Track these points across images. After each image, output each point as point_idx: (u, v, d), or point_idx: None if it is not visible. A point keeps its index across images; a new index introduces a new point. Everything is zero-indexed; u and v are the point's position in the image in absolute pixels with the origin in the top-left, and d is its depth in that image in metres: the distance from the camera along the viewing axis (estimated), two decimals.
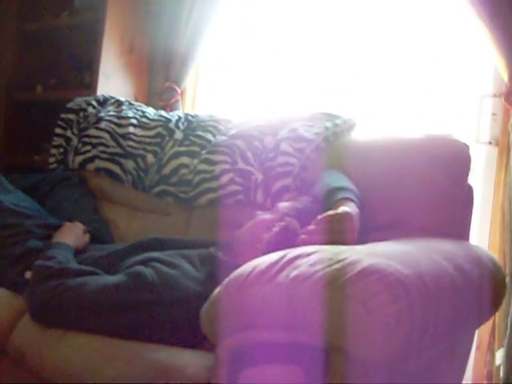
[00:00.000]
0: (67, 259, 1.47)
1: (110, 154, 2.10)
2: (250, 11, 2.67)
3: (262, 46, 2.63)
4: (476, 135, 2.18)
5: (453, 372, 1.42)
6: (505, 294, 1.45)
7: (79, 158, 2.14)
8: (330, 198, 1.38)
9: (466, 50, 2.23)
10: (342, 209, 1.26)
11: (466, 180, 1.63)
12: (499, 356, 2.05)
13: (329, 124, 1.80)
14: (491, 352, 2.10)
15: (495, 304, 1.34)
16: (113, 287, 1.30)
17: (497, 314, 1.95)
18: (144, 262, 1.38)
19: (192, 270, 1.37)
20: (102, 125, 2.16)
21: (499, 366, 2.04)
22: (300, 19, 2.53)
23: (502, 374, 2.01)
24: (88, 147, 2.14)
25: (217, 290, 1.08)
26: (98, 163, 2.11)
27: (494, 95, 2.17)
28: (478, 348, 2.13)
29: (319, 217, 1.24)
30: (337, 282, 0.93)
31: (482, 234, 2.14)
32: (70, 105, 2.31)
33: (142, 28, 2.81)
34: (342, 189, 1.42)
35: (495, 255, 2.01)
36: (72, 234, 1.66)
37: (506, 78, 2.01)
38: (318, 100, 2.42)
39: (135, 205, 2.08)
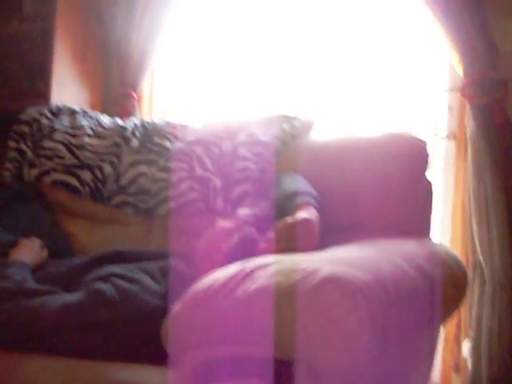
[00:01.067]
0: (24, 278, 1.42)
1: (67, 165, 2.05)
2: (204, 14, 2.64)
3: (216, 47, 2.61)
4: (433, 129, 2.20)
5: (420, 370, 1.43)
6: (466, 290, 1.46)
7: (35, 171, 2.08)
8: (289, 203, 1.37)
9: (421, 46, 2.25)
10: (302, 215, 1.25)
11: (425, 176, 1.64)
12: (465, 347, 2.07)
13: (286, 126, 1.79)
14: (457, 344, 2.13)
15: (458, 300, 1.35)
16: (72, 307, 1.26)
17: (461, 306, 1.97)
18: (103, 278, 1.34)
19: (153, 284, 1.34)
20: (57, 136, 2.10)
21: (466, 357, 2.07)
22: (254, 20, 2.51)
23: (469, 365, 2.03)
24: (43, 160, 2.08)
25: (176, 306, 1.06)
26: (55, 176, 2.05)
27: (450, 89, 2.19)
28: (444, 341, 2.15)
29: (278, 224, 1.23)
30: (296, 294, 0.92)
31: (443, 229, 2.16)
32: (22, 116, 2.24)
33: (94, 33, 2.75)
34: (300, 193, 1.41)
35: (457, 250, 2.04)
36: (29, 251, 1.61)
37: (460, 72, 2.03)
38: (275, 101, 2.40)
39: (95, 216, 2.04)
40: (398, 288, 1.02)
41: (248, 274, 0.99)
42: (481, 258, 1.99)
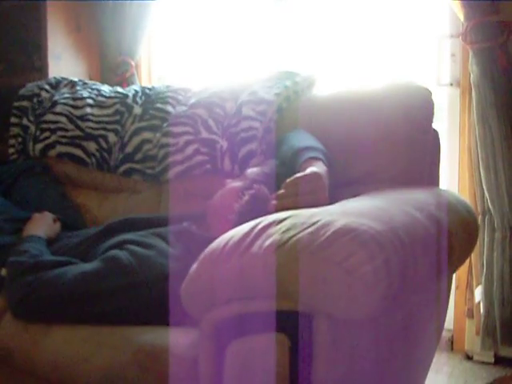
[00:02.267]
0: (41, 252, 1.44)
1: (71, 137, 2.05)
2: None
3: (214, 7, 2.57)
4: (436, 78, 2.18)
5: (435, 316, 1.44)
6: (477, 236, 1.47)
7: (39, 146, 2.09)
8: (297, 159, 1.37)
9: None
10: (311, 169, 1.25)
11: (431, 125, 1.63)
12: (478, 293, 2.10)
13: (288, 83, 1.78)
14: (470, 290, 2.15)
15: (470, 246, 1.35)
16: (90, 275, 1.28)
17: (472, 253, 1.98)
18: (118, 246, 1.36)
19: (167, 248, 1.35)
20: (58, 109, 2.10)
21: (479, 302, 2.09)
22: None
23: (482, 310, 2.06)
24: (47, 133, 2.08)
25: (194, 266, 1.07)
26: (60, 148, 2.06)
27: (452, 36, 2.16)
28: (457, 287, 2.18)
29: (288, 180, 1.23)
30: (311, 247, 0.92)
31: (451, 177, 2.16)
32: (22, 91, 2.24)
33: (87, 4, 2.72)
34: (307, 148, 1.40)
35: (466, 197, 2.04)
36: (42, 225, 1.63)
37: (461, 17, 2.00)
38: (276, 58, 2.38)
39: (103, 186, 2.05)
40: (412, 236, 1.02)
41: (262, 230, 1.00)
42: (489, 203, 2.00)
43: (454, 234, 1.19)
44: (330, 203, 1.19)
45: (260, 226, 1.01)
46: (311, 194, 1.20)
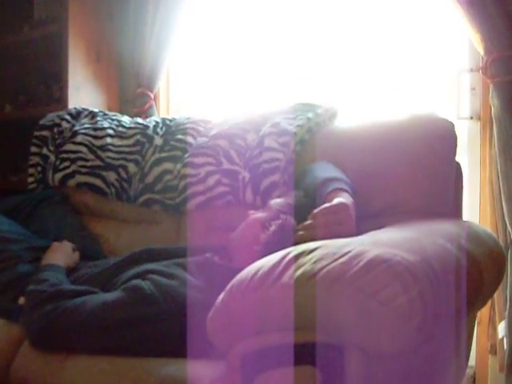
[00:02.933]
0: (60, 280, 1.43)
1: (90, 167, 2.05)
2: (217, 8, 2.62)
3: (233, 40, 2.59)
4: (457, 111, 2.18)
5: (460, 350, 1.41)
6: (505, 269, 1.44)
7: (59, 175, 2.09)
8: (323, 190, 1.36)
9: (442, 26, 2.22)
10: (338, 200, 1.24)
11: (454, 157, 1.62)
12: (501, 328, 2.05)
13: (310, 114, 1.78)
14: (493, 325, 2.10)
15: (498, 279, 1.33)
16: (112, 304, 1.26)
17: None
18: (140, 275, 1.35)
19: (190, 278, 1.33)
20: (79, 138, 2.11)
21: (502, 338, 2.04)
22: (270, 8, 2.49)
23: (505, 345, 2.01)
24: (67, 163, 2.08)
25: (221, 296, 1.05)
26: (79, 178, 2.06)
27: (472, 70, 2.17)
28: (479, 323, 2.13)
29: (315, 210, 1.22)
30: (344, 277, 0.91)
31: (472, 210, 2.14)
32: (42, 121, 2.25)
33: (107, 35, 2.75)
34: (333, 179, 1.40)
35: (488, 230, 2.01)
36: (61, 254, 1.62)
37: (481, 51, 2.01)
38: (297, 90, 2.39)
39: (122, 217, 2.04)
40: (445, 267, 1.00)
41: (292, 260, 0.99)
42: None
43: (484, 267, 1.17)
44: (357, 235, 1.18)
45: (290, 256, 1.00)
46: (339, 225, 1.19)
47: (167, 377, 1.12)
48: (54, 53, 2.72)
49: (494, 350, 2.10)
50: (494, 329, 2.09)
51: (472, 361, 2.14)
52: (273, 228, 1.27)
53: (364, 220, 1.40)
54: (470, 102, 2.18)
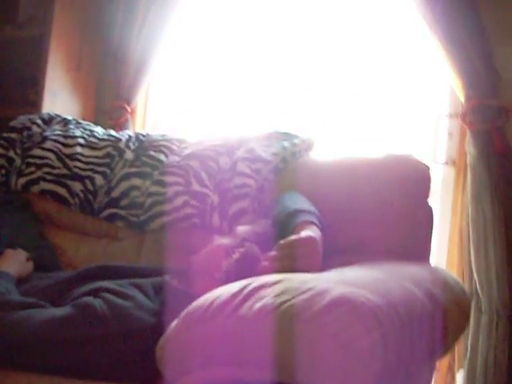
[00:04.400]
0: (8, 290, 1.35)
1: (56, 175, 1.98)
2: (203, 26, 2.61)
3: (214, 62, 2.58)
4: (433, 155, 2.18)
5: None
6: (469, 316, 1.42)
7: (22, 180, 2.01)
8: (291, 221, 1.32)
9: (423, 70, 2.24)
10: (306, 233, 1.21)
11: (427, 201, 1.61)
12: (459, 378, 2.03)
13: (287, 144, 1.75)
14: (451, 374, 2.08)
15: (462, 327, 1.30)
16: (59, 321, 1.19)
17: None
18: (93, 293, 1.28)
19: (145, 300, 1.27)
20: (48, 145, 2.04)
21: None
22: (251, 35, 2.49)
23: None
24: (32, 168, 2.01)
25: (174, 324, 1.00)
26: (43, 185, 1.99)
27: (451, 115, 2.18)
28: (437, 370, 2.10)
29: (281, 242, 1.18)
30: (305, 314, 0.87)
31: (439, 256, 2.13)
32: (13, 123, 2.18)
33: (90, 44, 2.71)
34: (302, 211, 1.36)
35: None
36: (14, 262, 1.54)
37: (462, 98, 2.02)
38: (275, 118, 2.38)
39: (83, 229, 1.97)
40: (410, 313, 0.97)
41: (252, 292, 0.94)
42: (478, 286, 1.96)
43: (450, 314, 1.14)
44: (323, 270, 1.14)
45: (250, 287, 0.95)
46: (305, 259, 1.15)
47: None
48: (33, 56, 2.66)
49: None
50: (453, 377, 2.06)
51: None
52: (236, 256, 1.23)
53: (331, 255, 1.36)
54: (446, 147, 2.18)
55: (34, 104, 2.58)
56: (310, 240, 1.18)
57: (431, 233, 1.65)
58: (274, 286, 0.94)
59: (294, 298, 0.89)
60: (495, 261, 1.92)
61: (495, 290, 1.92)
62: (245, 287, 0.96)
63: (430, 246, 1.64)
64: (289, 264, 1.12)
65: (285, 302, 0.89)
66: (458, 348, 2.04)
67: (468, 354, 1.97)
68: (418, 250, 1.56)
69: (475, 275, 1.97)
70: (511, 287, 1.91)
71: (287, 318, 0.87)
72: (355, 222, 1.53)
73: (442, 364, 2.10)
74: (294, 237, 1.18)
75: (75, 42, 2.65)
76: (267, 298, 0.91)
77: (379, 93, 2.28)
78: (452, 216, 2.13)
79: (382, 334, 0.86)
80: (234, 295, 0.94)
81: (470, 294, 1.97)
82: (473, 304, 1.98)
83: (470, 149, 2.01)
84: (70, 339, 1.17)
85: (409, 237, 1.53)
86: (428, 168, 1.61)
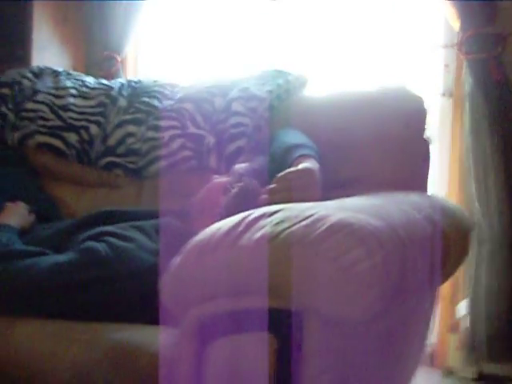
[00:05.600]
0: (12, 241, 1.36)
1: (51, 127, 1.96)
2: None
3: (203, 5, 2.52)
4: (429, 87, 2.15)
5: (420, 326, 1.39)
6: (471, 242, 1.43)
7: (18, 135, 1.99)
8: (289, 155, 1.31)
9: (416, 1, 2.18)
10: (303, 165, 1.20)
11: (423, 133, 1.59)
12: (462, 307, 2.05)
13: (281, 81, 1.73)
14: (454, 304, 2.11)
15: (464, 253, 1.31)
16: (64, 266, 1.20)
17: None
18: (95, 237, 1.28)
19: (147, 242, 1.28)
20: (40, 97, 2.01)
21: (463, 317, 2.05)
22: None
23: (467, 323, 2.02)
24: (26, 122, 1.99)
25: (176, 259, 1.00)
26: (39, 138, 1.97)
27: (446, 46, 2.14)
28: (441, 300, 2.13)
29: (279, 174, 1.17)
30: (305, 240, 0.86)
31: (440, 188, 2.13)
32: (2, 78, 2.14)
33: None
34: (300, 146, 1.35)
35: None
36: (15, 215, 1.55)
37: (457, 27, 1.98)
38: (268, 57, 2.34)
39: (82, 180, 1.96)
40: (411, 235, 0.97)
41: (252, 222, 0.94)
42: (479, 216, 1.96)
43: (451, 238, 1.15)
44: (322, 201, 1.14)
45: (250, 218, 0.95)
46: (303, 190, 1.15)
47: (119, 342, 1.06)
48: (19, 11, 2.60)
49: (454, 328, 2.10)
50: (455, 306, 2.09)
51: (433, 338, 2.14)
52: (235, 190, 1.22)
53: (330, 190, 1.35)
54: (443, 78, 2.15)
55: (23, 59, 2.54)
56: (307, 171, 1.17)
57: (428, 165, 1.64)
58: (274, 216, 0.93)
59: (293, 225, 0.89)
60: (495, 190, 1.92)
61: (496, 219, 1.92)
62: (244, 218, 0.95)
63: (427, 179, 1.63)
64: (288, 195, 1.12)
65: (284, 229, 0.89)
66: (461, 278, 2.06)
67: (472, 282, 2.00)
68: (416, 182, 1.55)
69: (476, 205, 1.97)
70: None
71: (287, 245, 0.87)
72: (352, 156, 1.52)
73: (445, 295, 2.13)
74: (291, 169, 1.18)
75: None
76: (267, 227, 0.90)
77: (373, 25, 2.23)
78: (451, 147, 2.12)
79: (384, 256, 0.86)
80: (234, 226, 0.94)
81: (471, 221, 1.98)
82: (475, 234, 1.99)
83: (468, 79, 1.99)
84: (75, 283, 1.18)
85: (406, 169, 1.53)
86: (423, 100, 1.59)
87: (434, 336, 2.16)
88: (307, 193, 1.14)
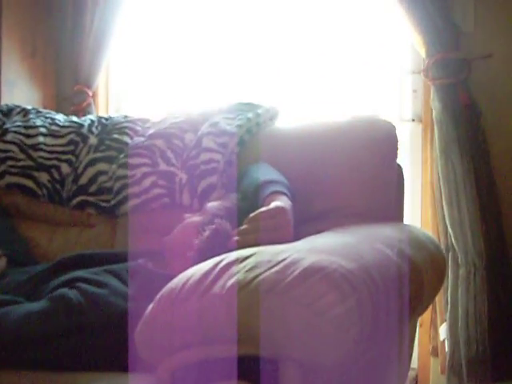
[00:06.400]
0: None
1: (21, 167, 1.94)
2: (160, 5, 2.55)
3: (173, 38, 2.53)
4: (399, 113, 2.18)
5: (402, 356, 1.39)
6: (445, 273, 1.43)
7: None
8: (260, 192, 1.31)
9: (384, 28, 2.21)
10: (275, 204, 1.19)
11: (395, 160, 1.61)
12: (443, 331, 2.06)
13: (251, 115, 1.73)
14: (434, 328, 2.11)
15: (439, 284, 1.31)
16: (36, 316, 1.17)
17: None
18: (68, 284, 1.26)
19: (121, 286, 1.26)
20: (9, 137, 1.98)
21: (443, 340, 2.05)
22: (211, 9, 2.44)
23: (447, 348, 2.02)
24: None
25: (150, 307, 0.99)
26: (9, 179, 1.94)
27: (413, 72, 2.17)
28: (421, 325, 2.13)
29: (251, 215, 1.17)
30: (279, 286, 0.86)
31: (413, 213, 2.14)
32: None
33: (43, 29, 2.63)
34: (271, 182, 1.35)
35: (429, 233, 2.01)
36: None
37: (423, 53, 2.01)
38: (238, 88, 2.34)
39: (54, 220, 1.94)
40: (384, 275, 0.97)
41: (224, 269, 0.93)
42: (453, 239, 1.98)
43: (425, 272, 1.15)
44: (295, 240, 1.14)
45: (222, 265, 0.94)
46: (276, 230, 1.14)
47: None
48: None
49: (435, 352, 2.10)
50: (436, 331, 2.10)
51: (414, 363, 2.14)
52: (207, 233, 1.21)
53: (302, 224, 1.35)
54: (411, 104, 2.18)
55: None
56: (279, 210, 1.17)
57: (403, 191, 1.66)
58: (246, 261, 0.92)
59: (266, 271, 0.89)
60: (468, 214, 1.93)
61: (470, 242, 1.94)
62: (216, 265, 0.95)
63: (402, 204, 1.64)
64: (260, 237, 1.11)
65: (256, 276, 0.88)
66: (439, 302, 2.07)
67: (449, 307, 2.00)
68: (391, 210, 1.56)
69: (450, 230, 1.98)
70: (485, 238, 1.93)
71: (260, 293, 0.86)
72: (325, 189, 1.52)
73: (425, 319, 2.13)
74: (263, 209, 1.17)
75: (28, 29, 2.57)
76: (239, 273, 0.90)
77: (340, 54, 2.25)
78: (422, 173, 2.13)
79: (357, 299, 0.86)
80: (206, 274, 0.93)
81: (446, 249, 1.99)
82: (450, 257, 2.00)
83: (435, 104, 2.01)
84: (48, 333, 1.15)
85: (379, 198, 1.53)
86: (394, 127, 1.60)
87: (416, 360, 2.16)
88: (279, 232, 1.14)
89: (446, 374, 2.03)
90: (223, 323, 0.88)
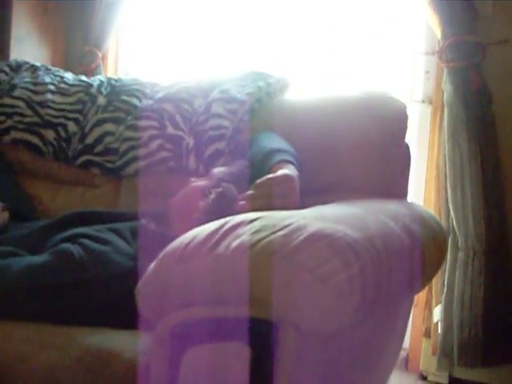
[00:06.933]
0: None
1: (28, 123, 1.93)
2: None
3: (185, 4, 2.50)
4: (409, 93, 2.16)
5: (396, 332, 1.40)
6: (446, 252, 1.44)
7: None
8: (268, 160, 1.31)
9: (399, 7, 2.19)
10: (282, 171, 1.19)
11: (404, 138, 1.60)
12: (437, 313, 2.07)
13: (261, 84, 1.72)
14: (429, 309, 2.12)
15: (439, 263, 1.31)
16: (37, 268, 1.18)
17: None
18: (70, 239, 1.27)
19: (123, 245, 1.26)
20: (17, 92, 1.98)
21: (437, 322, 2.06)
22: None
23: (440, 330, 2.03)
24: (2, 118, 1.95)
25: (152, 264, 0.99)
26: (15, 134, 1.94)
27: (427, 53, 2.15)
28: (415, 305, 2.15)
29: (258, 181, 1.17)
30: (283, 250, 0.86)
31: (416, 194, 2.14)
32: None
33: None
34: (279, 151, 1.35)
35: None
36: None
37: (439, 35, 1.99)
38: (250, 59, 2.33)
39: (59, 178, 1.94)
40: (388, 247, 0.97)
41: (229, 230, 0.93)
42: (454, 223, 1.98)
43: (427, 248, 1.15)
44: (300, 209, 1.13)
45: (228, 226, 0.94)
46: (282, 197, 1.14)
47: (92, 346, 1.05)
48: None
49: (428, 334, 2.12)
50: (430, 312, 2.11)
51: (406, 343, 2.16)
52: (213, 196, 1.21)
53: (309, 195, 1.35)
54: (423, 85, 2.17)
55: (1, 52, 2.50)
56: (286, 178, 1.17)
57: (408, 171, 1.65)
58: (252, 224, 0.93)
59: (271, 234, 0.89)
60: (471, 198, 1.93)
61: (471, 226, 1.94)
62: (222, 226, 0.95)
63: (407, 183, 1.64)
64: (266, 202, 1.11)
65: (262, 239, 0.88)
66: (436, 284, 2.08)
67: (445, 289, 2.01)
68: (396, 187, 1.56)
69: (452, 212, 1.98)
70: (487, 224, 1.93)
71: (264, 255, 0.86)
72: (332, 161, 1.52)
73: (419, 300, 2.15)
74: (270, 175, 1.17)
75: None
76: (244, 235, 0.90)
77: (355, 31, 2.24)
78: (429, 154, 2.13)
79: (360, 267, 0.86)
80: (211, 234, 0.93)
81: (447, 231, 2.00)
82: (449, 241, 2.00)
83: (447, 86, 2.00)
84: (48, 286, 1.16)
85: (386, 174, 1.53)
86: (405, 105, 1.60)
87: (408, 340, 2.17)
88: (286, 200, 1.14)
89: (436, 356, 2.05)
90: (227, 283, 0.89)
